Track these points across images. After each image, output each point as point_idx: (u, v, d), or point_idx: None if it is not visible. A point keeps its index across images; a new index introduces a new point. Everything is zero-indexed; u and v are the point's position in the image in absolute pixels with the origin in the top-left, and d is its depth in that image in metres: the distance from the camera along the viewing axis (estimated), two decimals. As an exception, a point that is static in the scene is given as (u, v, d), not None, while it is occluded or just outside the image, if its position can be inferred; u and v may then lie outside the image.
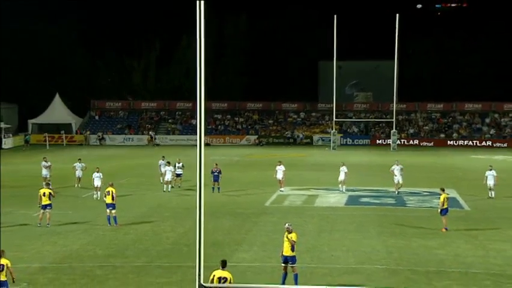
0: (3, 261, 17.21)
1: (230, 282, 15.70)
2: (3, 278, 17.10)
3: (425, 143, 76.52)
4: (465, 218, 31.13)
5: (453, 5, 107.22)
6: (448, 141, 76.55)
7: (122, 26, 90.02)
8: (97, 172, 36.21)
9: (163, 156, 42.20)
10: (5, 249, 23.98)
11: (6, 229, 27.84)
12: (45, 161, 40.96)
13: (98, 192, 35.26)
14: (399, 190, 38.82)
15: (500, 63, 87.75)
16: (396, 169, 38.93)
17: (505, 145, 74.98)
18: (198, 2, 9.21)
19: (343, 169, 39.71)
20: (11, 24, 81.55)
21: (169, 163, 39.65)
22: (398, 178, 38.73)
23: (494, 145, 75.13)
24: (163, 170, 40.01)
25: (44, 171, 40.28)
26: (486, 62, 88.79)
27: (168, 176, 38.89)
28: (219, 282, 15.66)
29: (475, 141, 76.13)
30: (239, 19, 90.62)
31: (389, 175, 39.81)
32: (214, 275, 15.87)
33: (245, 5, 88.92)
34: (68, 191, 38.57)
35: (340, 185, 39.53)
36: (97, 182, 35.86)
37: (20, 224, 29.09)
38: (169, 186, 39.01)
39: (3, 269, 17.12)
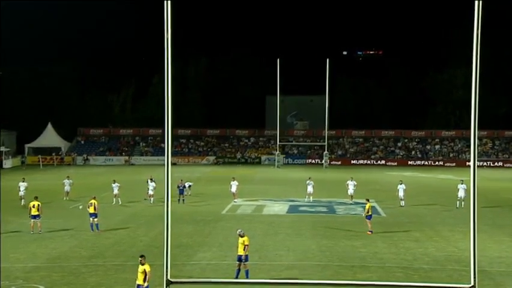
0: None
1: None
2: None
3: (350, 162, 77.42)
4: (382, 222, 31.39)
5: (371, 52, 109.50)
6: (369, 161, 77.61)
7: (105, 67, 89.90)
8: (114, 183, 36.95)
9: (152, 178, 38.95)
10: (4, 253, 23.54)
11: (6, 235, 27.22)
12: (23, 181, 37.94)
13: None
14: (351, 201, 38.21)
15: (411, 98, 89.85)
16: (350, 184, 38.96)
17: (413, 163, 76.34)
18: (165, 1, 8.92)
19: (309, 182, 39.67)
20: (11, 66, 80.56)
21: (152, 180, 38.19)
22: (350, 191, 38.71)
23: (404, 164, 76.41)
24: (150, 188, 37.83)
25: (22, 191, 37.06)
26: (399, 97, 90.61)
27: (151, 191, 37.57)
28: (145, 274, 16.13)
29: (389, 161, 77.37)
30: (199, 61, 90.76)
31: (321, 187, 39.92)
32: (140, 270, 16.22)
33: (204, 50, 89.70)
34: (58, 203, 37.80)
35: (307, 196, 39.41)
36: (116, 191, 36.88)
37: (17, 230, 28.39)
38: (152, 199, 37.37)
39: None
